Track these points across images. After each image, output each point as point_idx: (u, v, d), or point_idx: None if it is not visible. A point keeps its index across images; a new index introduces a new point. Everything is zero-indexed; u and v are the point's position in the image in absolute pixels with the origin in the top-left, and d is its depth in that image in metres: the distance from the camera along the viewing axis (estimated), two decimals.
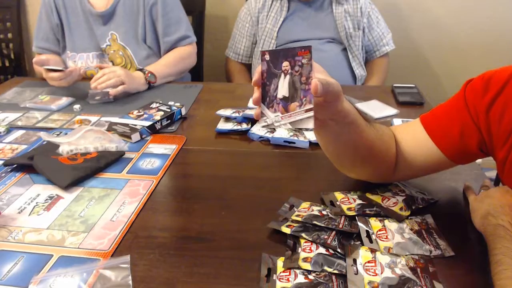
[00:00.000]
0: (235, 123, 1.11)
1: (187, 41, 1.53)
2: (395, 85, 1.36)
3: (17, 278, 0.63)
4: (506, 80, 0.67)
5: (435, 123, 0.76)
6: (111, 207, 0.80)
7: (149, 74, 1.38)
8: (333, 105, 0.64)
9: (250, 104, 1.22)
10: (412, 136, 0.78)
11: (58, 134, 1.08)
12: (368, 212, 0.74)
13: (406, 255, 0.64)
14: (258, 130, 1.07)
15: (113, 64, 1.51)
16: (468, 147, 0.72)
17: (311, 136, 1.02)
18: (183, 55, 1.53)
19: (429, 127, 0.76)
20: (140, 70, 1.40)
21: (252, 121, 1.12)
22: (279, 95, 0.56)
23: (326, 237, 0.67)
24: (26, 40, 2.27)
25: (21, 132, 1.11)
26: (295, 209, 0.76)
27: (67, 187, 0.85)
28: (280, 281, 0.61)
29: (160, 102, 1.21)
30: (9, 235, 0.73)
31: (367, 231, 0.70)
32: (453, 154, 0.74)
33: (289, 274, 0.62)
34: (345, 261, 0.63)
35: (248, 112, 1.13)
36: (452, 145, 0.73)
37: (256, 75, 0.60)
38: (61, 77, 1.31)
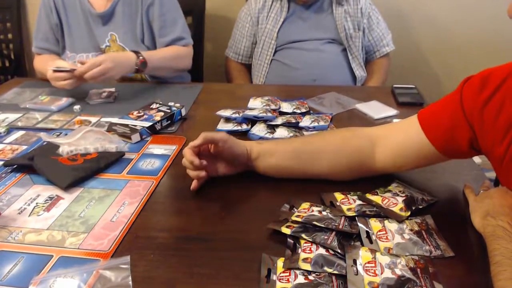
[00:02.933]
0: (235, 124, 1.11)
1: (182, 42, 1.52)
2: (395, 85, 1.36)
3: (17, 279, 0.63)
4: (504, 77, 0.68)
5: (429, 116, 0.78)
6: (111, 208, 0.80)
7: (141, 63, 1.35)
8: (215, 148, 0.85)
9: (250, 104, 1.23)
10: (405, 129, 0.81)
11: (58, 135, 1.08)
12: (368, 212, 0.74)
13: (406, 256, 0.64)
14: (258, 130, 1.08)
15: None
16: (458, 143, 0.73)
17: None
18: (179, 54, 1.51)
19: (423, 120, 0.78)
20: (136, 53, 1.36)
21: (252, 121, 1.12)
22: None
23: (326, 237, 0.67)
24: (26, 40, 2.27)
25: (21, 132, 1.11)
26: (295, 210, 0.76)
27: (67, 187, 0.85)
28: (280, 281, 0.61)
29: (160, 102, 1.21)
30: (9, 236, 0.73)
31: (367, 232, 0.70)
32: (443, 147, 0.75)
33: (289, 275, 0.62)
34: (345, 261, 0.63)
35: (248, 112, 1.13)
36: (442, 138, 0.75)
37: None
38: (66, 78, 1.28)
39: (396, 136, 0.82)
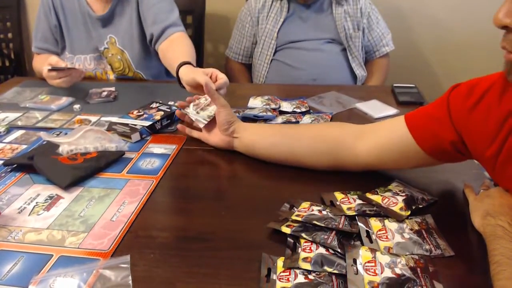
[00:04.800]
0: None
1: (178, 28, 1.43)
2: (395, 85, 1.36)
3: (17, 278, 0.63)
4: (489, 85, 0.70)
5: (416, 119, 0.79)
6: (111, 207, 0.80)
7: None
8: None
9: (250, 104, 1.23)
10: (391, 127, 0.83)
11: (58, 134, 1.08)
12: (368, 212, 0.74)
13: (406, 255, 0.64)
14: None
15: (111, 68, 1.51)
16: (443, 145, 0.75)
17: None
18: (191, 43, 1.40)
19: (410, 121, 0.79)
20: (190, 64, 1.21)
21: (252, 121, 1.12)
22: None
23: (326, 237, 0.67)
24: (26, 40, 2.27)
25: (21, 132, 1.11)
26: (295, 209, 0.76)
27: (67, 187, 0.85)
28: (280, 281, 0.61)
29: (160, 102, 1.21)
30: (9, 235, 0.73)
31: (367, 231, 0.70)
32: (429, 149, 0.77)
33: (289, 274, 0.62)
34: (345, 261, 0.63)
35: (248, 112, 1.13)
36: (428, 141, 0.76)
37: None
38: (60, 76, 1.29)
39: (381, 132, 0.83)
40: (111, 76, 1.53)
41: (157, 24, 1.42)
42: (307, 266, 0.62)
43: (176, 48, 1.35)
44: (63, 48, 1.53)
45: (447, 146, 0.74)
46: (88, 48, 1.50)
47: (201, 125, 0.99)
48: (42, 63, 1.41)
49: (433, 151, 0.77)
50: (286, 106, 1.19)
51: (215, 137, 0.98)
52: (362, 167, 0.86)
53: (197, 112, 1.00)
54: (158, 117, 1.11)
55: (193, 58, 1.28)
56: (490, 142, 0.68)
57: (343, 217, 0.72)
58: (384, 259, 0.63)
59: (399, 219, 0.73)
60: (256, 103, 1.21)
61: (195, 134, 1.03)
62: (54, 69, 1.28)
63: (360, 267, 0.61)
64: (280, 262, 0.64)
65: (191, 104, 1.04)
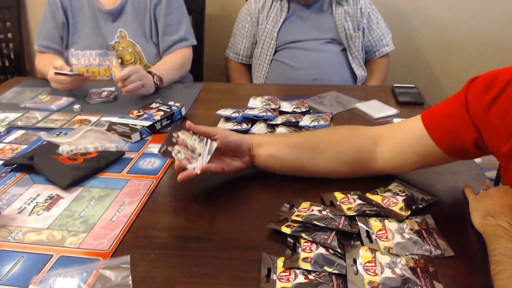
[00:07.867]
0: (235, 123, 1.11)
1: (186, 43, 1.54)
2: (395, 85, 1.36)
3: (17, 278, 0.63)
4: (508, 80, 0.68)
5: (433, 116, 0.78)
6: (111, 207, 0.80)
7: (158, 80, 1.36)
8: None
9: (250, 104, 1.23)
10: (408, 127, 0.81)
11: (58, 134, 1.08)
12: (368, 212, 0.74)
13: (406, 255, 0.64)
14: (258, 130, 1.07)
15: (122, 61, 1.52)
16: (463, 143, 0.74)
17: None
18: (185, 60, 1.53)
19: (427, 120, 0.78)
20: (149, 73, 1.36)
21: (252, 121, 1.12)
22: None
23: (326, 237, 0.67)
24: (26, 40, 2.27)
25: (21, 132, 1.11)
26: (295, 209, 0.76)
27: (67, 187, 0.85)
28: (280, 281, 0.61)
29: (160, 102, 1.21)
30: (9, 235, 0.73)
31: (367, 231, 0.70)
32: (447, 147, 0.75)
33: (289, 274, 0.62)
34: (345, 261, 0.63)
35: (248, 112, 1.13)
36: (446, 138, 0.75)
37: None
38: (68, 82, 1.31)
39: (399, 134, 0.82)
40: (115, 73, 1.53)
41: (167, 36, 1.52)
42: (307, 266, 0.62)
43: (165, 59, 1.51)
44: (67, 45, 1.54)
45: (468, 144, 0.73)
46: (96, 44, 1.52)
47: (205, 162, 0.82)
48: (46, 63, 1.42)
49: (453, 150, 0.76)
50: (286, 106, 1.19)
51: (234, 163, 0.86)
52: (378, 173, 0.84)
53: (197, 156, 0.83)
54: (158, 117, 1.11)
55: (168, 69, 1.44)
56: (507, 137, 0.67)
57: (343, 217, 0.72)
58: (384, 259, 0.63)
59: (399, 219, 0.73)
60: (256, 103, 1.21)
61: (213, 167, 0.83)
62: (60, 73, 1.29)
63: (360, 267, 0.61)
64: (280, 262, 0.64)
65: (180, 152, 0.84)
